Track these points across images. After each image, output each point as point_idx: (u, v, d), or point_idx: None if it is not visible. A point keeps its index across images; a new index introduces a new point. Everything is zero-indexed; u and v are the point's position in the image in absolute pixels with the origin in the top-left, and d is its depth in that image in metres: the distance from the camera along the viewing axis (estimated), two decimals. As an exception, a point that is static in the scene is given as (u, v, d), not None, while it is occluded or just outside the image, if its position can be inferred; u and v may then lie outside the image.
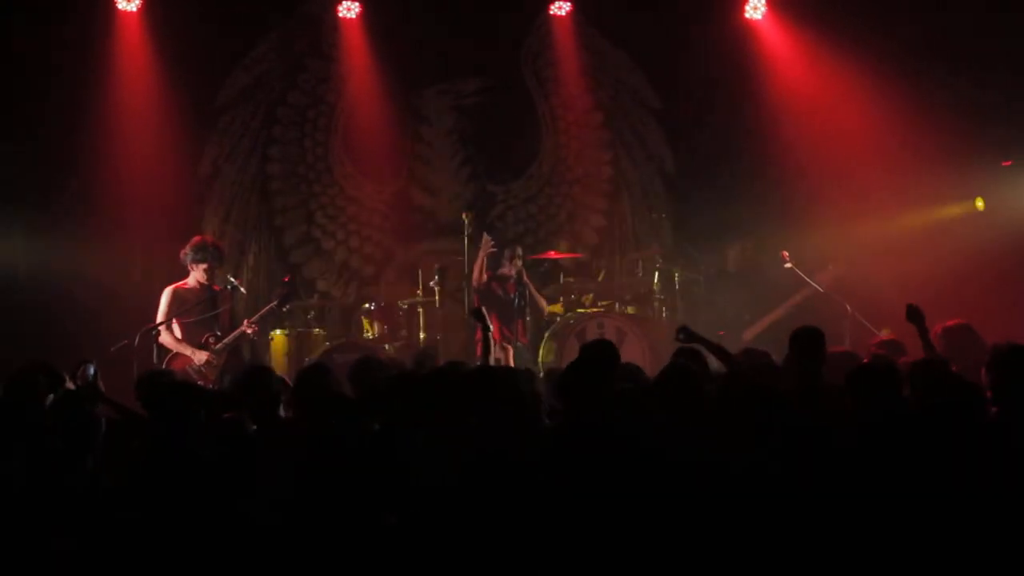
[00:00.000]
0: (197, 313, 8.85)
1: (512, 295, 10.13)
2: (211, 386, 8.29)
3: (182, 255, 8.98)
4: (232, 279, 9.10)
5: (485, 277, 10.15)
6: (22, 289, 10.29)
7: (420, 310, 10.75)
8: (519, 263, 10.18)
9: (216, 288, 8.98)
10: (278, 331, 10.29)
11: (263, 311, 9.13)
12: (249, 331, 8.89)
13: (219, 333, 8.84)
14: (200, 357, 8.73)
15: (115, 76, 10.81)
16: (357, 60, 11.66)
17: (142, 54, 10.91)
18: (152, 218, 10.81)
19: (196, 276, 8.95)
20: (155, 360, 8.53)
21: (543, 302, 10.50)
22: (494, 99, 11.99)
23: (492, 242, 10.20)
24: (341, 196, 11.88)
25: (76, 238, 10.50)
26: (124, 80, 10.85)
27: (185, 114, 11.05)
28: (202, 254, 8.93)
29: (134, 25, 10.89)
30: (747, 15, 11.68)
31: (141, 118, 10.86)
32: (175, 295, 8.91)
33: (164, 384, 5.79)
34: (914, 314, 6.55)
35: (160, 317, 8.79)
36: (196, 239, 9.14)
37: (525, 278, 10.21)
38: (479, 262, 10.14)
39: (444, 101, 11.99)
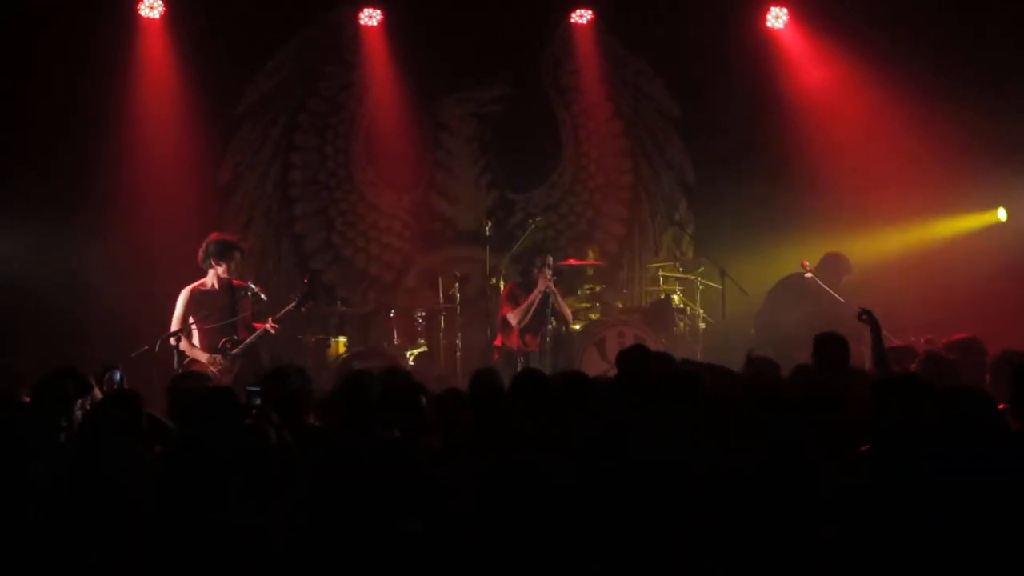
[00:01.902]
0: (216, 319, 8.79)
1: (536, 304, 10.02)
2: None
3: (201, 254, 8.90)
4: (253, 285, 8.98)
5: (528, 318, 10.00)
6: (43, 295, 10.31)
7: (440, 317, 10.77)
8: (548, 272, 10.02)
9: (236, 284, 8.89)
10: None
11: (282, 312, 9.00)
12: (272, 331, 8.83)
13: (236, 338, 8.79)
14: (214, 362, 8.68)
15: (137, 83, 10.86)
16: (378, 67, 11.68)
17: (164, 61, 10.96)
18: (173, 224, 10.81)
19: (217, 274, 8.86)
20: (176, 366, 8.48)
21: (568, 311, 10.30)
22: (514, 107, 11.99)
23: (554, 278, 10.02)
24: (361, 203, 11.89)
25: (97, 244, 10.53)
26: (146, 87, 10.90)
27: (206, 121, 11.10)
28: (222, 253, 8.86)
29: (156, 32, 10.93)
30: (769, 24, 11.65)
31: (163, 125, 10.91)
32: (192, 296, 8.79)
33: (194, 389, 5.80)
34: (866, 318, 6.54)
35: (176, 321, 8.71)
36: (213, 236, 9.04)
37: (553, 287, 10.06)
38: (534, 304, 9.97)
39: (464, 109, 12.01)
